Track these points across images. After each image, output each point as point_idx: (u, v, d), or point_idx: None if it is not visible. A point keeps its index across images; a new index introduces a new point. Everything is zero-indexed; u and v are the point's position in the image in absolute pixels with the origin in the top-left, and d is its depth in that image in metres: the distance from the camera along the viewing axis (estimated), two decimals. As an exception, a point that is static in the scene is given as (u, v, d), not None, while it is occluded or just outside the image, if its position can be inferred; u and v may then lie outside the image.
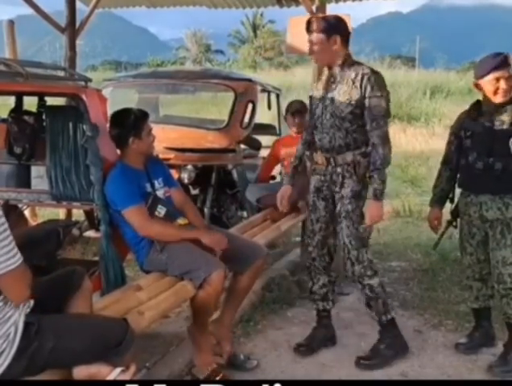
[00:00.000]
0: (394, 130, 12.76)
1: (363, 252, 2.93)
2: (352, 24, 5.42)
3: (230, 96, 4.63)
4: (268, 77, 17.16)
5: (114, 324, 1.96)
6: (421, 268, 4.59)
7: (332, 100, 2.86)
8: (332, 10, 6.13)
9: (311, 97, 3.07)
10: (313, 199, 3.05)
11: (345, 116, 2.83)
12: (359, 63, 2.93)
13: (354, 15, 5.97)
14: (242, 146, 4.67)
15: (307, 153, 3.13)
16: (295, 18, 4.83)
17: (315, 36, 2.84)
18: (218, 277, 2.55)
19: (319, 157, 2.99)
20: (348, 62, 2.89)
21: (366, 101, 2.79)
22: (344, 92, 2.83)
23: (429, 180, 8.85)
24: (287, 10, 6.63)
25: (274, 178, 5.04)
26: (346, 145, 2.88)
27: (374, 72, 2.86)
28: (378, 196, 2.82)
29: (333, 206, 2.99)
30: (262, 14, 42.20)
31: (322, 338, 3.17)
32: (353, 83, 2.82)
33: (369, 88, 2.78)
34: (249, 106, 4.60)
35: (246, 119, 4.61)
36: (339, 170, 2.91)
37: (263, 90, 5.18)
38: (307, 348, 3.10)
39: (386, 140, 2.81)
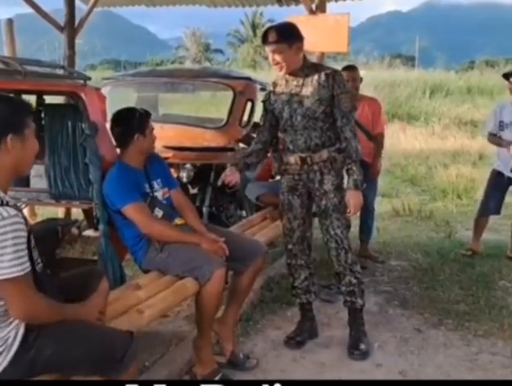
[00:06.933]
0: (394, 130, 12.77)
1: (350, 240, 3.07)
2: (351, 23, 5.43)
3: (229, 94, 4.61)
4: (268, 76, 17.14)
5: (118, 336, 1.88)
6: (421, 268, 4.58)
7: (301, 102, 2.93)
8: (331, 8, 6.13)
9: (265, 102, 3.12)
10: (288, 197, 3.11)
11: (318, 115, 2.93)
12: (318, 64, 3.10)
13: (354, 14, 5.96)
14: (241, 145, 4.66)
15: (275, 154, 3.16)
16: (293, 17, 4.81)
17: (278, 46, 2.86)
18: (220, 275, 2.55)
19: (291, 157, 3.04)
20: (308, 64, 3.00)
21: (336, 99, 2.90)
22: (313, 93, 2.91)
23: (428, 179, 8.92)
24: (287, 9, 6.63)
25: (273, 176, 5.03)
26: (322, 144, 2.97)
27: (336, 71, 2.98)
28: (359, 186, 2.94)
29: (308, 202, 3.10)
30: (261, 14, 42.28)
31: (308, 330, 3.25)
32: (319, 83, 2.90)
33: (336, 86, 2.89)
34: (249, 105, 4.58)
35: (245, 118, 4.60)
36: (316, 167, 3.00)
37: (262, 89, 5.15)
38: (296, 341, 3.16)
39: (355, 133, 2.95)
